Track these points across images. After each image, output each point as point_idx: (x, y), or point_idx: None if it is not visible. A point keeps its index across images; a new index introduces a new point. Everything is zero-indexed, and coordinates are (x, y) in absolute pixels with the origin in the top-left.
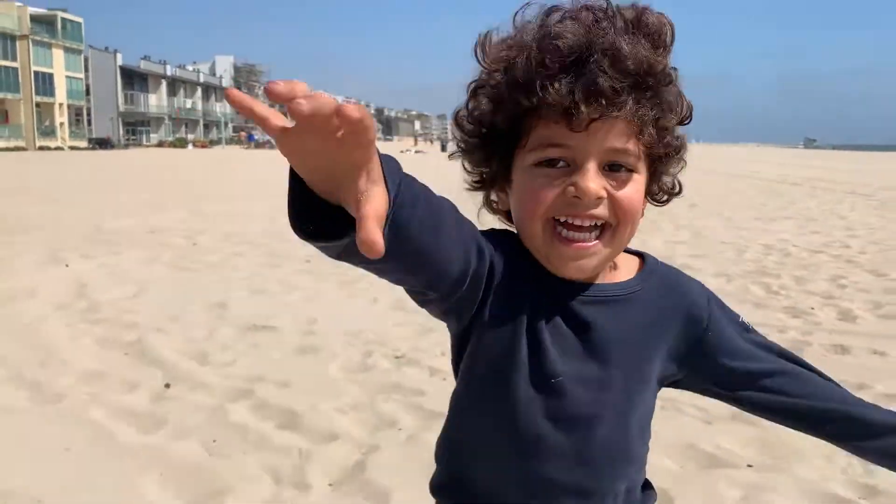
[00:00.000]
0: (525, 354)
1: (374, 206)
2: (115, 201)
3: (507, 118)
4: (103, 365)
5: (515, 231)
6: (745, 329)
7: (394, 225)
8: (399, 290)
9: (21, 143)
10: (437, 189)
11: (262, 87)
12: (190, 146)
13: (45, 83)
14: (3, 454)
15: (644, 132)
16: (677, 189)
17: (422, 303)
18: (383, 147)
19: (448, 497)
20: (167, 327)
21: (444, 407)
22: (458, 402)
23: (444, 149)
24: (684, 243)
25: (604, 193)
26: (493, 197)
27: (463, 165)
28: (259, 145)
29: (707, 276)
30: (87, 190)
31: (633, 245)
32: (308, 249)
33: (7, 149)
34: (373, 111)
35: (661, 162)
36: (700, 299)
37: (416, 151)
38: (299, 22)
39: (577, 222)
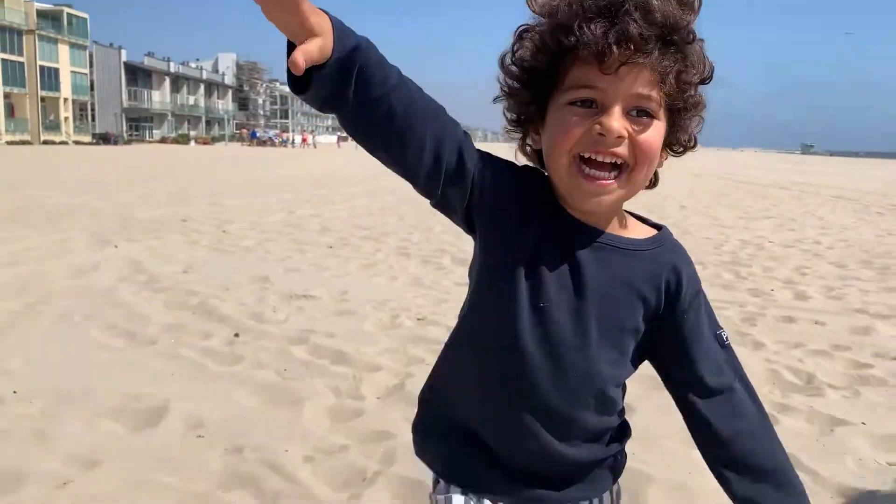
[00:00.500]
0: (523, 276)
1: (305, 44)
2: (140, 194)
3: (547, 59)
4: (178, 320)
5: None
6: (721, 342)
7: (341, 60)
8: (414, 269)
9: (26, 137)
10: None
11: (263, 85)
12: (192, 142)
13: (50, 78)
14: (122, 373)
15: (666, 82)
16: (693, 143)
17: (434, 206)
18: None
19: (427, 414)
20: (221, 295)
21: None
22: (458, 328)
23: None
24: None
25: (625, 133)
26: (528, 140)
27: (504, 109)
28: (261, 142)
29: None
30: (110, 183)
31: None
32: (329, 238)
33: (13, 142)
34: None
35: (681, 114)
36: (693, 283)
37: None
38: None
39: (599, 158)
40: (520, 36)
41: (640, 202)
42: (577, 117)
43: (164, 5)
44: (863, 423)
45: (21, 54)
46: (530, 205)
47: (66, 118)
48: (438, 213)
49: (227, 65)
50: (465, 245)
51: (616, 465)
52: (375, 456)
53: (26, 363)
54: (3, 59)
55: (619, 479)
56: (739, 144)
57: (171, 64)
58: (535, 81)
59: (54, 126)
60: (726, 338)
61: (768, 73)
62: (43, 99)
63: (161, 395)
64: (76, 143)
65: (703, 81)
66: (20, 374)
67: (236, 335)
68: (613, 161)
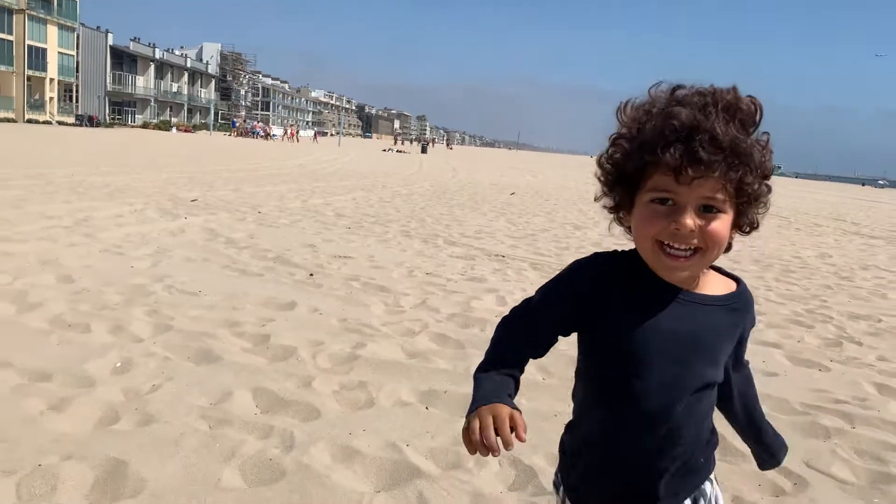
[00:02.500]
0: (626, 339)
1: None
2: (167, 178)
3: (634, 167)
4: (267, 265)
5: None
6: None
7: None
8: (417, 245)
9: (11, 115)
10: (419, 186)
11: (246, 77)
12: (174, 129)
13: (37, 58)
14: (256, 288)
15: (730, 187)
16: (756, 225)
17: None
18: (363, 143)
19: (577, 464)
20: (286, 253)
21: (455, 287)
22: (584, 398)
23: (424, 150)
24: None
25: (696, 229)
26: (621, 216)
27: (603, 191)
28: (242, 133)
29: None
30: (136, 166)
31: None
32: (345, 221)
33: None
34: (353, 107)
35: (744, 206)
36: (752, 321)
37: (398, 151)
38: (286, 13)
39: (677, 245)
40: (613, 142)
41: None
42: (658, 213)
43: None
44: None
45: (10, 33)
46: (607, 287)
47: (52, 98)
48: (428, 206)
49: (211, 54)
50: (452, 232)
51: (707, 465)
52: (415, 329)
53: (192, 280)
54: None
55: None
56: None
57: (157, 50)
58: (624, 180)
59: (39, 105)
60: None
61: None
62: (29, 78)
63: (286, 298)
64: (59, 123)
65: (765, 178)
66: (196, 283)
67: (311, 274)
68: (688, 248)
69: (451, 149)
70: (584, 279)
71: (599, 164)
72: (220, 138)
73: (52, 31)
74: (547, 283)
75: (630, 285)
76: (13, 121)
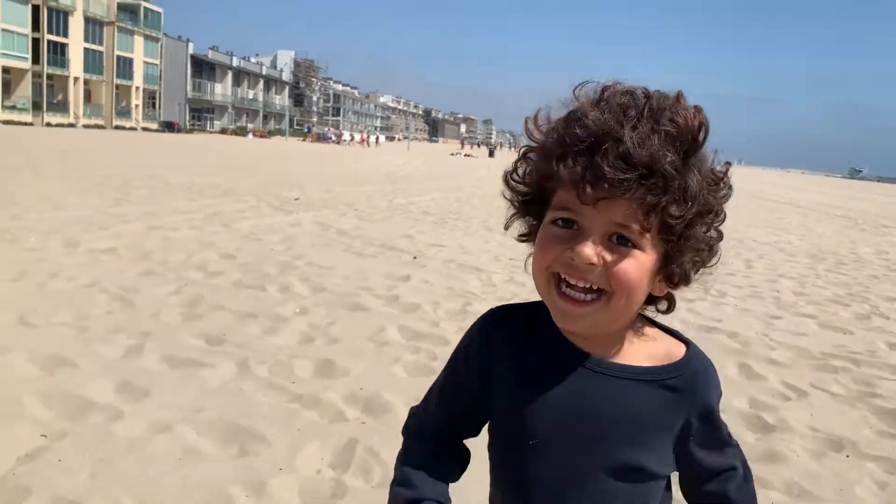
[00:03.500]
0: (517, 414)
1: None
2: (262, 181)
3: (536, 182)
4: (378, 250)
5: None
6: (728, 443)
7: None
8: (499, 238)
9: (100, 122)
10: (474, 185)
11: (318, 83)
12: (250, 135)
13: (125, 67)
14: (378, 265)
15: (650, 216)
16: (685, 281)
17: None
18: (430, 148)
19: None
20: (390, 242)
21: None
22: (491, 467)
23: (491, 154)
24: None
25: (597, 261)
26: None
27: (511, 218)
28: (318, 138)
29: None
30: (231, 168)
31: None
32: (431, 218)
33: (88, 126)
34: (420, 112)
35: (673, 247)
36: (707, 409)
37: (466, 155)
38: (355, 20)
39: (573, 281)
40: (523, 155)
41: None
42: (557, 237)
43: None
44: None
45: (101, 44)
46: (497, 354)
47: (137, 105)
48: (504, 205)
49: (285, 61)
50: None
51: None
52: (508, 296)
53: (324, 259)
54: (85, 48)
55: None
56: (787, 165)
57: (234, 58)
58: (530, 200)
59: (125, 112)
60: (732, 436)
61: (821, 90)
62: (117, 87)
63: (401, 273)
64: (144, 129)
65: (706, 215)
66: (327, 261)
67: (415, 257)
68: (587, 286)
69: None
70: (471, 346)
71: (506, 183)
72: (296, 143)
73: (139, 41)
74: (449, 361)
75: (524, 349)
76: (102, 127)
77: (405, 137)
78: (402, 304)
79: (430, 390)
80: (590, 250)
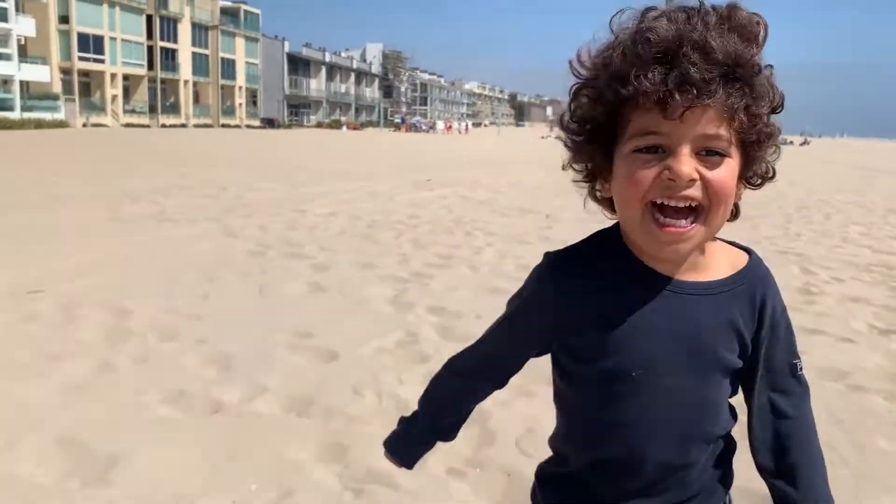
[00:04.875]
0: (611, 352)
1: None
2: (386, 166)
3: (607, 111)
4: (517, 213)
5: (608, 230)
6: (794, 372)
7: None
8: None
9: (208, 121)
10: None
11: (406, 74)
12: (344, 128)
13: (228, 68)
14: (515, 221)
15: (735, 119)
16: (771, 174)
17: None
18: (518, 132)
19: (557, 470)
20: (522, 207)
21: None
22: (564, 402)
23: None
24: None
25: (696, 175)
26: (598, 187)
27: (571, 163)
28: (409, 128)
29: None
30: (348, 158)
31: None
32: (548, 190)
33: (198, 125)
34: (506, 97)
35: (754, 147)
36: (775, 314)
37: (556, 138)
38: (438, 6)
39: (673, 203)
40: (575, 94)
41: None
42: (645, 164)
43: None
44: None
45: (206, 47)
46: (575, 298)
47: (240, 104)
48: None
49: (373, 54)
50: None
51: (725, 479)
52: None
53: (483, 219)
54: (193, 52)
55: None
56: (893, 135)
57: (326, 54)
58: (598, 134)
59: (230, 111)
60: (800, 367)
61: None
62: (222, 87)
63: (544, 224)
64: (247, 126)
65: (774, 111)
66: (487, 221)
67: (547, 216)
68: (688, 205)
69: None
70: (538, 294)
71: (563, 127)
72: (390, 134)
73: (240, 43)
74: (498, 320)
75: (603, 285)
76: (210, 126)
77: (492, 123)
78: (554, 240)
79: (467, 353)
80: (687, 166)
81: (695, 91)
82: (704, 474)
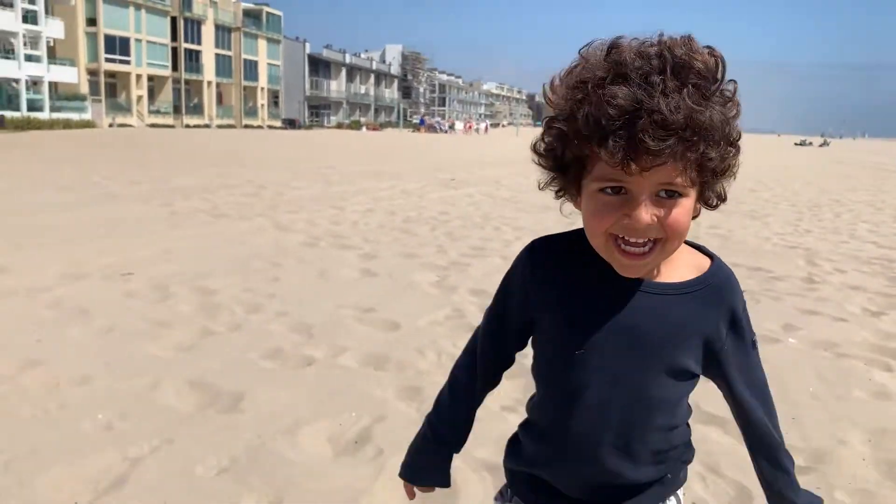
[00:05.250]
0: (564, 330)
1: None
2: (411, 167)
3: (574, 156)
4: (541, 210)
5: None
6: (754, 346)
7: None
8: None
9: (231, 122)
10: None
11: (424, 75)
12: (363, 129)
13: (251, 70)
14: (536, 214)
15: (689, 168)
16: (724, 198)
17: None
18: (534, 133)
19: (525, 438)
20: (546, 205)
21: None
22: (534, 372)
23: None
24: (773, 188)
25: (653, 221)
26: (569, 199)
27: (542, 179)
28: (429, 129)
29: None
30: (378, 160)
31: None
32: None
33: (221, 126)
34: (524, 97)
35: (709, 181)
36: (735, 315)
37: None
38: (456, 7)
39: (632, 240)
40: (547, 126)
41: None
42: (608, 205)
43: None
44: None
45: (229, 49)
46: (543, 277)
47: (262, 105)
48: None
49: (393, 55)
50: None
51: (673, 480)
52: None
53: (509, 216)
54: (216, 54)
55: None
56: None
57: (347, 55)
58: (567, 168)
59: (252, 112)
60: (755, 342)
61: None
62: (245, 88)
63: (569, 221)
64: (269, 127)
65: (732, 144)
66: (513, 217)
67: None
68: (646, 240)
69: None
70: (517, 274)
71: (535, 152)
72: (410, 135)
73: (262, 44)
74: (493, 300)
75: (570, 272)
76: (233, 126)
77: (510, 124)
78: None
79: (474, 332)
80: (645, 215)
81: (650, 157)
82: (648, 470)
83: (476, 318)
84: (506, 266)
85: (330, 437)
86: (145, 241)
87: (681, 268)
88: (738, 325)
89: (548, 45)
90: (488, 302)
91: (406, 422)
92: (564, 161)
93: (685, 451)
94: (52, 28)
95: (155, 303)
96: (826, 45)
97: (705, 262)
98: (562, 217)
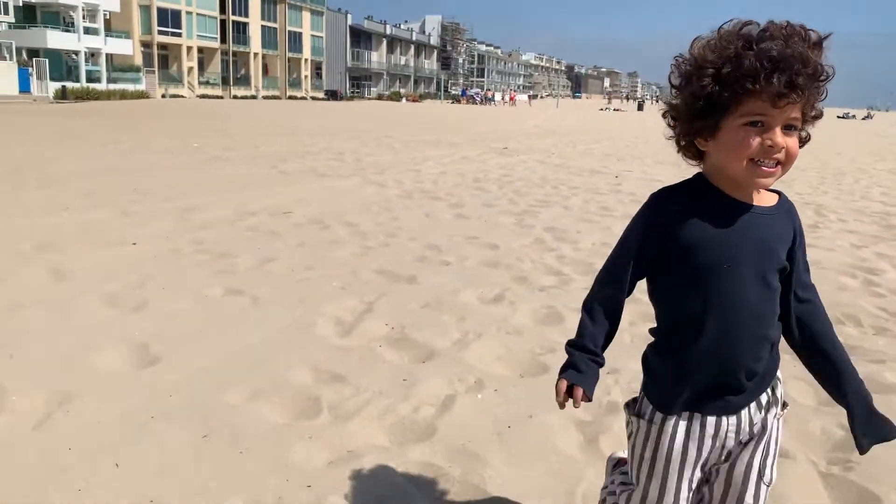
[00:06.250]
0: (709, 249)
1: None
2: (465, 137)
3: (732, 95)
4: (589, 174)
5: (693, 180)
6: (807, 266)
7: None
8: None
9: (276, 93)
10: (635, 136)
11: (464, 45)
12: (403, 100)
13: (295, 41)
14: (596, 179)
15: (808, 109)
16: (809, 139)
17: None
18: (576, 104)
19: (661, 360)
20: (595, 169)
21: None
22: (663, 299)
23: (640, 108)
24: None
25: (784, 144)
26: (694, 143)
27: (674, 121)
28: (469, 100)
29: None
30: (429, 130)
31: None
32: (614, 156)
33: (267, 97)
34: (563, 68)
35: (808, 122)
36: (801, 229)
37: (615, 110)
38: None
39: (767, 161)
40: (699, 76)
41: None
42: (751, 135)
43: None
44: None
45: (274, 21)
46: (682, 215)
47: (306, 76)
48: (668, 145)
49: (432, 26)
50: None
51: (776, 363)
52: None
53: (559, 178)
54: (262, 26)
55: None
56: None
57: (387, 26)
58: (713, 109)
59: (296, 83)
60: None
61: None
62: (289, 60)
63: (615, 181)
64: (312, 98)
65: (823, 100)
66: (565, 180)
67: (616, 176)
68: (775, 162)
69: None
70: (648, 218)
71: (687, 96)
72: (451, 106)
73: (306, 16)
74: (619, 243)
75: (697, 208)
76: (278, 97)
77: (549, 95)
78: (623, 192)
79: (604, 266)
80: (780, 138)
81: (799, 92)
82: (772, 354)
83: (552, 248)
84: (569, 215)
85: (478, 297)
86: (278, 193)
87: (766, 198)
88: (800, 234)
89: (588, 15)
90: (559, 234)
91: (516, 296)
92: (714, 103)
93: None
94: (108, 1)
95: (320, 230)
96: (870, 13)
97: (776, 195)
98: (611, 180)
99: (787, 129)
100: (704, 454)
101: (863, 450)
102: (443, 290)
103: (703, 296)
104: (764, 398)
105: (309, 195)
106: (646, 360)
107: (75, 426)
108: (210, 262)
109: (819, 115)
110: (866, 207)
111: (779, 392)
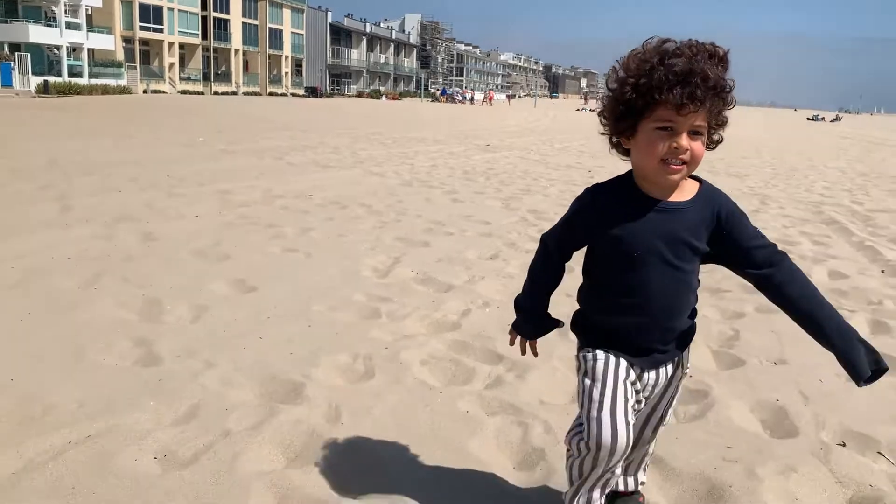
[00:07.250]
0: (622, 240)
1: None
2: (445, 134)
3: (644, 103)
4: (566, 169)
5: (621, 176)
6: (756, 230)
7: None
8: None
9: (256, 90)
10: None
11: (443, 44)
12: (383, 98)
13: (275, 38)
14: (587, 160)
15: (712, 116)
16: (720, 141)
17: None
18: (554, 104)
19: (585, 327)
20: (571, 165)
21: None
22: (592, 272)
23: None
24: (771, 165)
25: (689, 148)
26: (620, 141)
27: (605, 121)
28: (448, 99)
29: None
30: (415, 128)
31: None
32: (589, 153)
33: (247, 93)
34: (541, 68)
35: (714, 129)
36: (727, 209)
37: (591, 110)
38: None
39: (675, 160)
40: (622, 85)
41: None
42: (661, 137)
43: None
44: None
45: (255, 18)
46: (616, 206)
47: (286, 73)
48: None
49: (412, 25)
50: None
51: (692, 331)
52: None
53: (540, 172)
54: (243, 23)
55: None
56: None
57: (367, 25)
58: (632, 114)
59: (277, 80)
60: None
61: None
62: (269, 56)
63: (588, 176)
64: (293, 94)
65: (728, 108)
66: (544, 174)
67: (589, 171)
68: (681, 162)
69: None
70: (584, 206)
71: (614, 98)
72: (431, 105)
73: (287, 13)
74: (562, 220)
75: (621, 202)
76: (258, 94)
77: (527, 95)
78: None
79: (551, 233)
80: (685, 142)
81: (697, 103)
82: (680, 332)
83: (535, 224)
84: (548, 201)
85: (478, 256)
86: (293, 181)
87: (686, 191)
88: (730, 214)
89: (565, 17)
90: (539, 215)
91: (507, 255)
92: (633, 109)
93: (695, 310)
94: None
95: (339, 209)
96: (846, 17)
97: (696, 186)
98: (585, 174)
99: (693, 134)
100: (632, 377)
101: (860, 383)
102: (451, 251)
103: (620, 276)
104: (675, 360)
105: (321, 182)
106: (577, 322)
107: (217, 323)
108: (262, 230)
109: (724, 123)
110: (806, 198)
111: (685, 358)
